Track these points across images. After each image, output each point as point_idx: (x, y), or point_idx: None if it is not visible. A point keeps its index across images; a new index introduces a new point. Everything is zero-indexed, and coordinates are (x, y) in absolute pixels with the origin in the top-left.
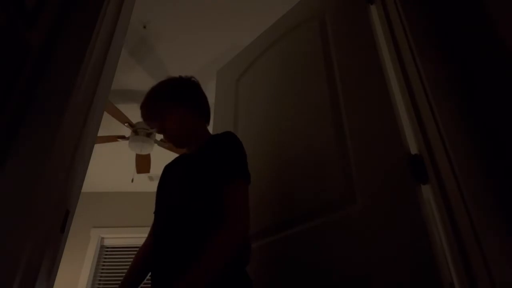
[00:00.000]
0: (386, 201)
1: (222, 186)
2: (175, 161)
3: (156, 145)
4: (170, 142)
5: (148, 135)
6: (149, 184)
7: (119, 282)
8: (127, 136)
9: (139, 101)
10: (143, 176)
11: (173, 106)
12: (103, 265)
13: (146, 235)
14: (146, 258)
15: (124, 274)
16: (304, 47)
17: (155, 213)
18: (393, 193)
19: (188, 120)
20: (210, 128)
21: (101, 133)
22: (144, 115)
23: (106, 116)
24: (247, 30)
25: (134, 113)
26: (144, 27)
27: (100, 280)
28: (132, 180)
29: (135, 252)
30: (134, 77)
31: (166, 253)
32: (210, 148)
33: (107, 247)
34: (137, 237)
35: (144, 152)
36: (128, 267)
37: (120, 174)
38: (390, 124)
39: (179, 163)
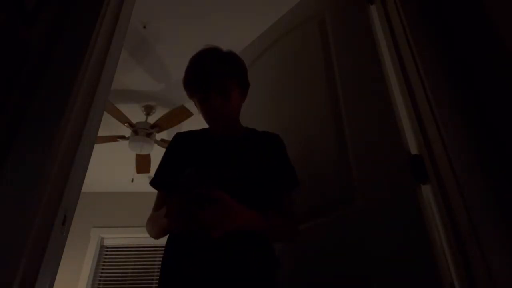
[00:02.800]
0: (386, 201)
1: (282, 190)
2: (210, 138)
3: (156, 145)
4: (214, 116)
5: (148, 135)
6: (149, 184)
7: (119, 282)
8: (127, 136)
9: (139, 101)
10: (143, 176)
11: (241, 89)
12: (103, 265)
13: (146, 235)
14: None
15: (124, 274)
16: (304, 47)
17: None
18: (393, 193)
19: (240, 107)
20: None
21: (101, 133)
22: (221, 83)
23: (106, 116)
24: (247, 30)
25: (134, 113)
26: (144, 27)
27: (100, 280)
28: (132, 180)
29: (135, 252)
30: (134, 77)
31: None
32: (272, 149)
33: (107, 247)
34: (137, 237)
35: (144, 152)
36: (128, 267)
37: (120, 174)
38: (390, 124)
39: (226, 145)
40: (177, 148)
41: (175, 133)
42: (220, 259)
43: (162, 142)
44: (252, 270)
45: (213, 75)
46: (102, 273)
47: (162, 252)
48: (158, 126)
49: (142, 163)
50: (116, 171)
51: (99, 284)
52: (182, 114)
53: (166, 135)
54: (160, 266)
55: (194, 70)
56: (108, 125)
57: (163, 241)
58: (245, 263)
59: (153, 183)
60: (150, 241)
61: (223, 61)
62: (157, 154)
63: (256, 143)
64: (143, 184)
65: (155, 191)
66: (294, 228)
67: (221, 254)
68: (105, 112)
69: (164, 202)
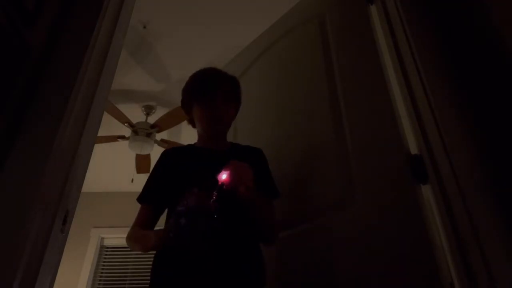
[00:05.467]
0: (386, 201)
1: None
2: (199, 152)
3: (156, 145)
4: (216, 120)
5: (148, 135)
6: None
7: (119, 282)
8: (127, 136)
9: (139, 101)
10: (143, 176)
11: (236, 102)
12: (103, 265)
13: None
14: None
15: (124, 274)
16: (304, 47)
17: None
18: (393, 193)
19: (231, 123)
20: None
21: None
22: (228, 92)
23: (106, 116)
24: (247, 30)
25: (134, 113)
26: (144, 27)
27: (100, 280)
28: (132, 180)
29: (135, 252)
30: (134, 77)
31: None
32: (256, 162)
33: (107, 247)
34: None
35: (144, 152)
36: (128, 267)
37: (120, 174)
38: (390, 124)
39: (215, 157)
40: (166, 164)
41: (163, 150)
42: (217, 269)
43: (162, 142)
44: (248, 279)
45: (222, 81)
46: (102, 273)
47: None
48: (158, 126)
49: (142, 163)
50: (116, 171)
51: (99, 284)
52: (182, 114)
53: (166, 135)
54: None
55: (204, 74)
56: (108, 125)
57: None
58: (242, 273)
59: (142, 198)
60: None
61: (227, 75)
62: (157, 154)
63: (241, 156)
64: (143, 184)
65: None
66: (274, 227)
67: (218, 263)
68: (105, 112)
69: (150, 217)
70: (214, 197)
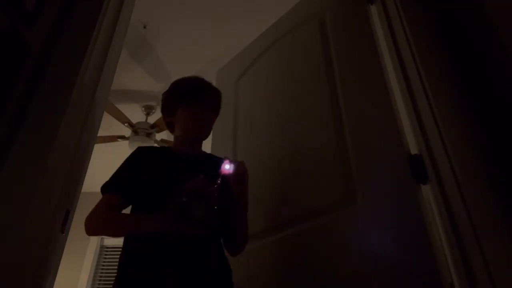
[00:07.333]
0: (386, 201)
1: None
2: (172, 154)
3: (156, 145)
4: (202, 124)
5: (148, 135)
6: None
7: None
8: (127, 136)
9: (139, 101)
10: None
11: (216, 115)
12: (103, 265)
13: None
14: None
15: None
16: (304, 47)
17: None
18: (393, 193)
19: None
20: None
21: (101, 133)
22: (214, 100)
23: (106, 116)
24: (247, 30)
25: (134, 113)
26: (144, 27)
27: (100, 280)
28: None
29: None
30: (134, 77)
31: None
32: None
33: (107, 247)
34: None
35: None
36: None
37: None
38: (390, 124)
39: (191, 161)
40: (140, 161)
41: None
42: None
43: (162, 142)
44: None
45: (210, 89)
46: (102, 273)
47: None
48: (158, 126)
49: None
50: None
51: (99, 284)
52: None
53: (166, 135)
54: None
55: (192, 80)
56: (108, 125)
57: None
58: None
59: (109, 187)
60: None
61: (214, 86)
62: None
63: (214, 162)
64: None
65: None
66: (246, 233)
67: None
68: (105, 112)
69: (118, 207)
70: (217, 185)
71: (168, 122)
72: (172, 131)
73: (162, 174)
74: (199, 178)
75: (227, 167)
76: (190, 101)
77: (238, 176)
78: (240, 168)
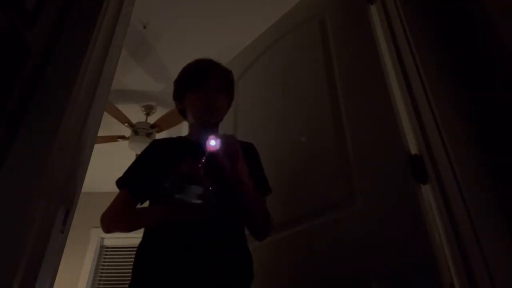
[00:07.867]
0: (386, 201)
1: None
2: (187, 142)
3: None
4: (207, 107)
5: (148, 135)
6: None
7: (119, 282)
8: (127, 136)
9: (139, 101)
10: None
11: (228, 93)
12: (103, 265)
13: None
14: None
15: (124, 274)
16: (304, 47)
17: None
18: (393, 193)
19: (224, 116)
20: None
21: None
22: (219, 83)
23: (106, 116)
24: (247, 30)
25: (134, 113)
26: (144, 27)
27: (100, 280)
28: None
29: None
30: (134, 77)
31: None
32: (251, 156)
33: (107, 247)
34: (137, 237)
35: None
36: (128, 267)
37: (120, 174)
38: (390, 124)
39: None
40: (156, 154)
41: (153, 140)
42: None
43: None
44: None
45: (216, 69)
46: (102, 273)
47: None
48: (158, 126)
49: None
50: (116, 171)
51: (99, 284)
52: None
53: (166, 135)
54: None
55: (198, 62)
56: (108, 125)
57: None
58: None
59: (124, 182)
60: None
61: (221, 65)
62: None
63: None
64: None
65: None
66: (269, 219)
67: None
68: (105, 112)
69: (133, 202)
70: (201, 163)
71: (179, 109)
72: (185, 117)
73: (177, 163)
74: (186, 161)
75: (213, 143)
76: (193, 85)
77: (228, 152)
78: (228, 142)
